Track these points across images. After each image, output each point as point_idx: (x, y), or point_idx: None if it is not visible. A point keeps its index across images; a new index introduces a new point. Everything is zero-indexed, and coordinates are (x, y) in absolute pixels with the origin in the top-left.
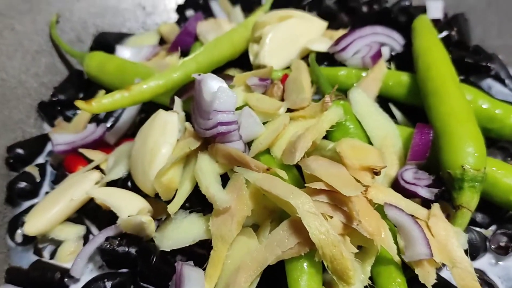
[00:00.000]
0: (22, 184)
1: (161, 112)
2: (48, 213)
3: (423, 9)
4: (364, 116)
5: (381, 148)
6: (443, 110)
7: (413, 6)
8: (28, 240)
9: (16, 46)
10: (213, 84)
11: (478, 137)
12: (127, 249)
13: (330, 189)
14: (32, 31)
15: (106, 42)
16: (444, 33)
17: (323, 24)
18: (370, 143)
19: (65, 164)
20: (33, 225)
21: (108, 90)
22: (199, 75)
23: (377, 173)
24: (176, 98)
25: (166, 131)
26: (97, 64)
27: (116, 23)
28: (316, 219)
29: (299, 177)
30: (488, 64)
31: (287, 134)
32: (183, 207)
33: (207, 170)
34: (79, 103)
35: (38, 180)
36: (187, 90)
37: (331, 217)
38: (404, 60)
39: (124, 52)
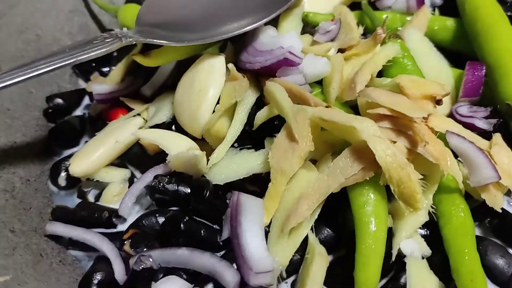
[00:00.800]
0: (63, 132)
1: (206, 55)
2: (93, 155)
3: None
4: (419, 54)
5: None
6: (496, 47)
7: None
8: (72, 184)
9: (50, 5)
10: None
11: None
12: (177, 187)
13: (393, 114)
14: None
15: None
16: None
17: None
18: None
19: (106, 114)
20: (78, 166)
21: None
22: None
23: (438, 102)
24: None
25: (214, 73)
26: (132, 16)
27: None
28: (382, 142)
29: None
30: None
31: (345, 73)
32: (232, 146)
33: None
34: (137, 57)
35: (78, 129)
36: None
37: (395, 142)
38: (446, 9)
39: None
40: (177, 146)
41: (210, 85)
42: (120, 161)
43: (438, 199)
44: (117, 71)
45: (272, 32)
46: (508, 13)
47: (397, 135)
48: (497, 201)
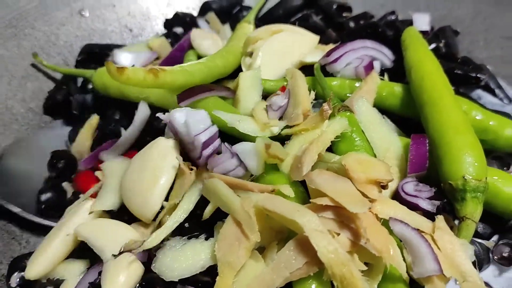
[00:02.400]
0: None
1: (160, 139)
2: (47, 254)
3: (409, 23)
4: (368, 127)
5: (384, 160)
6: (440, 121)
7: (400, 20)
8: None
9: (1, 72)
10: (180, 115)
11: (477, 146)
12: None
13: (336, 205)
14: (18, 56)
15: (93, 52)
16: (432, 45)
17: (315, 37)
18: (374, 155)
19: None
20: (33, 269)
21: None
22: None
23: (384, 187)
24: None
25: (167, 156)
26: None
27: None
28: (324, 237)
29: (306, 194)
30: (478, 75)
31: (292, 149)
32: (179, 233)
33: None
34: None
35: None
36: (190, 95)
37: (338, 234)
38: (395, 74)
39: (122, 56)
40: (112, 244)
41: (163, 168)
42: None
43: (383, 287)
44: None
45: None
46: (459, 71)
47: (340, 227)
48: None
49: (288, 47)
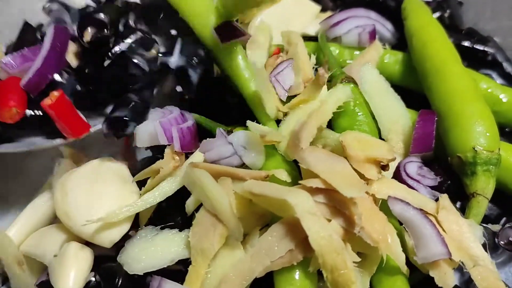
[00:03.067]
0: None
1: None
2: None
3: None
4: (373, 97)
5: (388, 134)
6: (445, 90)
7: None
8: None
9: None
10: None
11: (488, 115)
12: None
13: (328, 187)
14: None
15: None
16: (437, 14)
17: (316, 7)
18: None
19: None
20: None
21: None
22: None
23: (384, 168)
24: None
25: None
26: None
27: None
28: (317, 221)
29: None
30: (485, 48)
31: (289, 126)
32: (152, 223)
33: None
34: None
35: None
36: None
37: (330, 221)
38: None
39: None
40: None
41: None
42: None
43: (377, 280)
44: None
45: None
46: (464, 43)
47: (332, 213)
48: (447, 279)
49: (288, 16)
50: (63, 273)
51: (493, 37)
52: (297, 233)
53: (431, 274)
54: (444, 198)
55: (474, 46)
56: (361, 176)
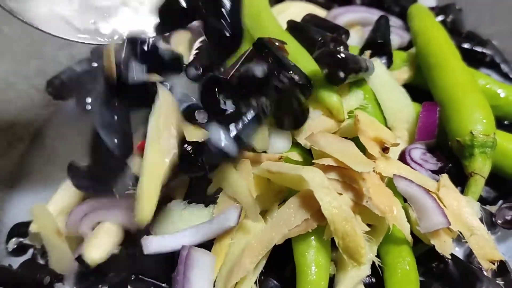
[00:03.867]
0: None
1: None
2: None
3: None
4: (380, 88)
5: (394, 123)
6: (447, 82)
7: None
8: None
9: (4, 49)
10: None
11: (484, 105)
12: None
13: (339, 165)
14: (21, 34)
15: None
16: (439, 18)
17: (324, 13)
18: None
19: None
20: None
21: None
22: None
23: (385, 150)
24: None
25: None
26: None
27: None
28: (329, 193)
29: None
30: (483, 50)
31: None
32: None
33: None
34: None
35: None
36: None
37: (341, 194)
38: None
39: None
40: None
41: None
42: None
43: (384, 250)
44: None
45: None
46: (464, 45)
47: (343, 187)
48: (446, 247)
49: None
50: (92, 245)
51: (491, 40)
52: (311, 204)
53: (432, 242)
54: (445, 178)
55: (474, 48)
56: (366, 153)
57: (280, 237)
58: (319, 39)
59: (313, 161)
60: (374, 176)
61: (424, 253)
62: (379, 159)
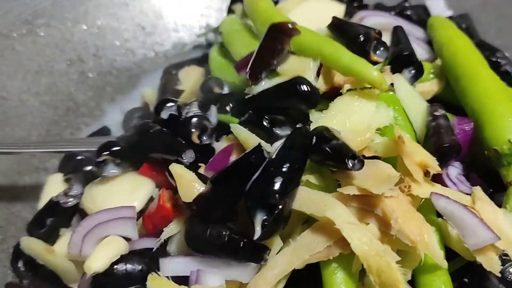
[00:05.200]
0: None
1: None
2: None
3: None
4: (408, 103)
5: (423, 139)
6: (478, 92)
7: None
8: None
9: (16, 67)
10: None
11: None
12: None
13: (362, 192)
14: (33, 51)
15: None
16: None
17: (342, 7)
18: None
19: None
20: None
21: None
22: None
23: (426, 174)
24: None
25: None
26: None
27: (117, 44)
28: (358, 229)
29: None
30: (498, 60)
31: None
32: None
33: None
34: None
35: None
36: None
37: (368, 224)
38: None
39: None
40: None
41: None
42: None
43: (418, 273)
44: None
45: None
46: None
47: (370, 217)
48: (494, 264)
49: (315, 15)
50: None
51: None
52: (334, 232)
53: (479, 259)
54: (478, 190)
55: (489, 57)
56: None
57: (300, 261)
58: (360, 36)
59: (337, 190)
60: (403, 200)
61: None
62: (413, 181)
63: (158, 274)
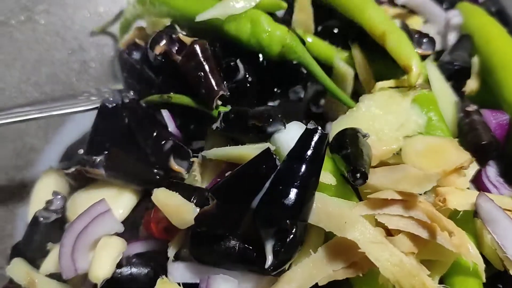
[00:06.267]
0: None
1: None
2: None
3: None
4: (439, 97)
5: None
6: None
7: None
8: None
9: (15, 55)
10: None
11: None
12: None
13: (401, 197)
14: (32, 39)
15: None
16: None
17: None
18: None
19: None
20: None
21: None
22: None
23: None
24: None
25: None
26: None
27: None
28: (384, 248)
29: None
30: None
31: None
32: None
33: None
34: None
35: None
36: None
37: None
38: None
39: None
40: None
41: None
42: None
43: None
44: None
45: None
46: None
47: (406, 224)
48: None
49: None
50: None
51: None
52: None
53: None
54: None
55: None
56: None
57: (322, 276)
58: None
59: (368, 196)
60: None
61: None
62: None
63: (167, 279)
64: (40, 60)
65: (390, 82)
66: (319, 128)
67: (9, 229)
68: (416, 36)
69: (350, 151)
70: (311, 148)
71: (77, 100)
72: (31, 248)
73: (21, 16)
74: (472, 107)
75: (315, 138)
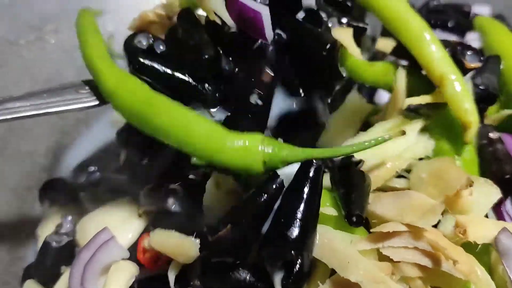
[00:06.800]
0: None
1: None
2: None
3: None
4: None
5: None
6: None
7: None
8: None
9: (24, 75)
10: None
11: None
12: None
13: (406, 229)
14: (41, 59)
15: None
16: None
17: None
18: None
19: None
20: None
21: None
22: None
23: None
24: None
25: None
26: None
27: None
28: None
29: None
30: None
31: None
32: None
33: None
34: None
35: None
36: None
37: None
38: None
39: None
40: None
41: None
42: None
43: None
44: None
45: None
46: None
47: (410, 254)
48: None
49: None
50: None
51: None
52: None
53: None
54: None
55: None
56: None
57: None
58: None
59: (371, 230)
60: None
61: None
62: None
63: None
64: (49, 80)
65: (421, 99)
66: (314, 161)
67: (21, 251)
68: (459, 48)
69: (344, 191)
70: (309, 181)
71: (78, 94)
72: (43, 271)
73: (31, 36)
74: (495, 134)
75: (311, 170)
